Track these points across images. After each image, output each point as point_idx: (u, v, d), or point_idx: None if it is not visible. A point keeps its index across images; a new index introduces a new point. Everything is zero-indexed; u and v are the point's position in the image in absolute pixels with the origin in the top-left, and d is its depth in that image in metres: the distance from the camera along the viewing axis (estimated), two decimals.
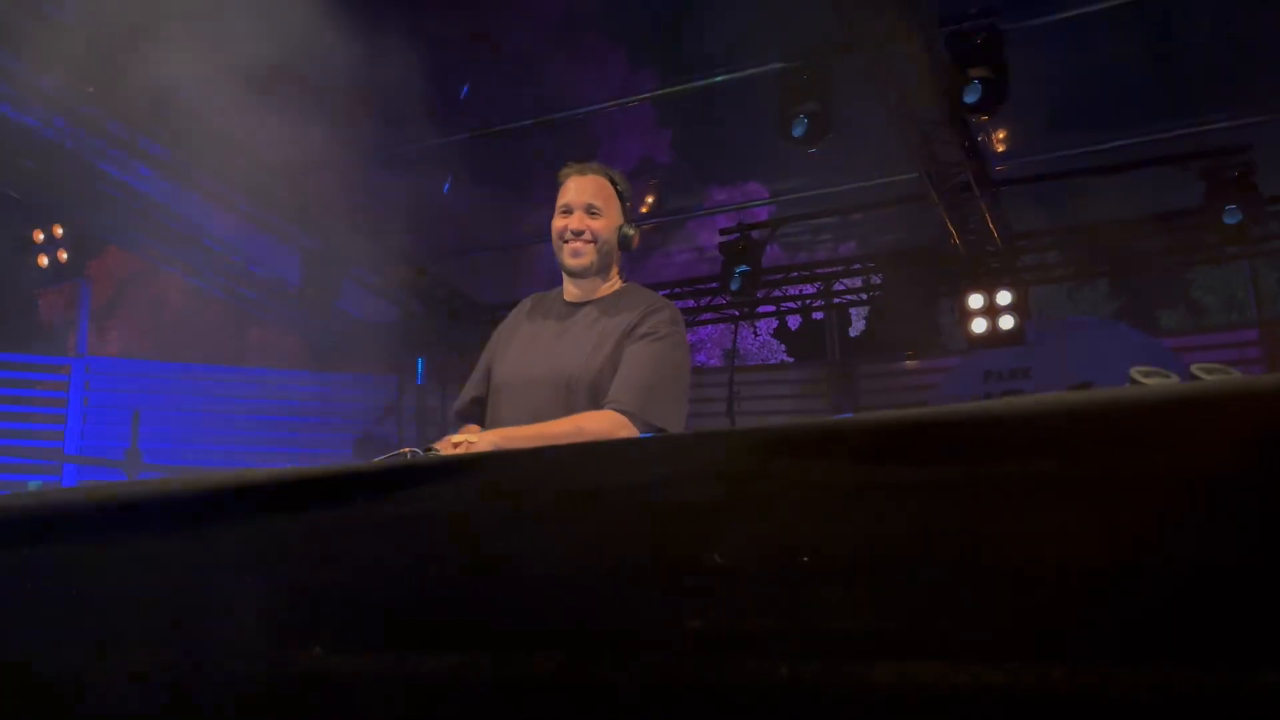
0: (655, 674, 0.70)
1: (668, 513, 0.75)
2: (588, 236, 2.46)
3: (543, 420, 2.27)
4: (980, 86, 5.84)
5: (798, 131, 6.36)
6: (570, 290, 2.58)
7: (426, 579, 0.81)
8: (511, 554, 0.79)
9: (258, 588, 0.85)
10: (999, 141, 8.03)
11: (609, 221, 2.49)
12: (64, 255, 8.10)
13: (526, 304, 2.70)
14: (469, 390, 2.63)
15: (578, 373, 2.36)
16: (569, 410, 2.31)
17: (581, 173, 2.52)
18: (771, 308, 10.94)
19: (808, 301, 10.65)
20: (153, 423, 9.64)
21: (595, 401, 2.32)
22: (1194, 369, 0.81)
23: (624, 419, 2.25)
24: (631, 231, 2.51)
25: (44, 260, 8.15)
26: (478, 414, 2.56)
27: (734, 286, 8.55)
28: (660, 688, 0.70)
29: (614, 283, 2.58)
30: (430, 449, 2.04)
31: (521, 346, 2.55)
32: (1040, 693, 0.61)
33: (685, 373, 2.46)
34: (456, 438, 2.11)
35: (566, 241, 2.49)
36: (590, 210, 2.47)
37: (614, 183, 2.51)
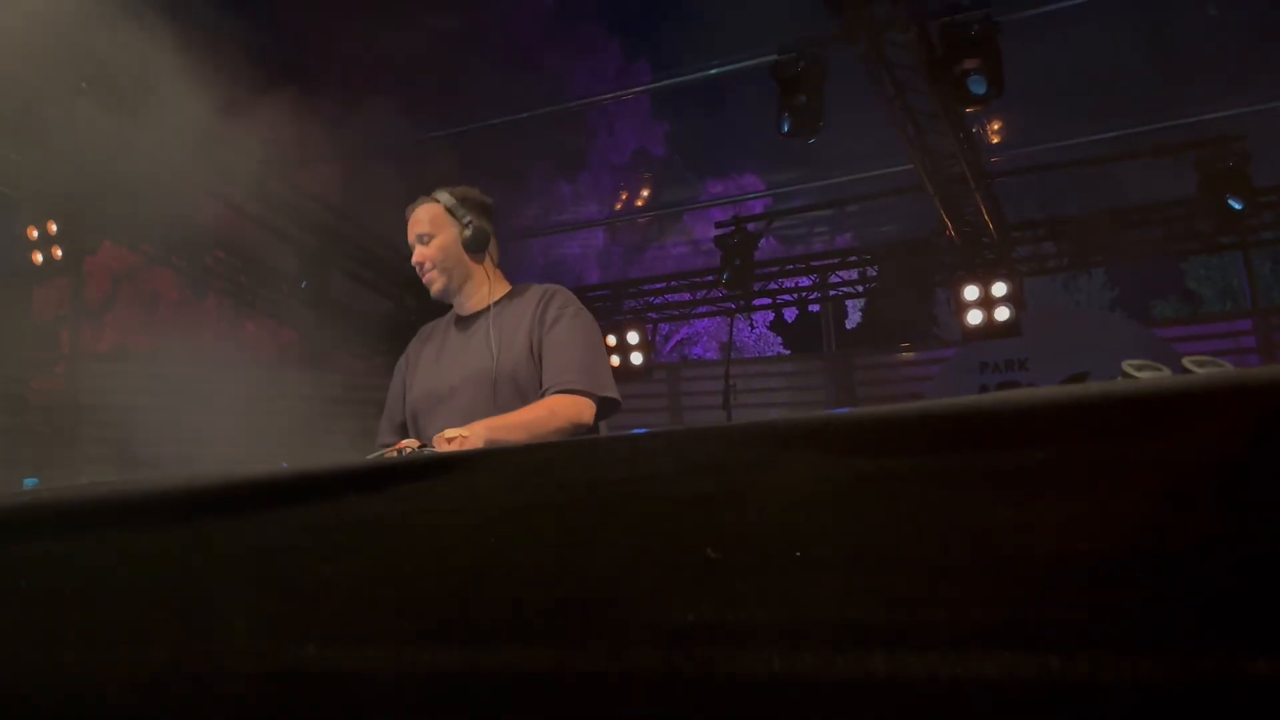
0: (649, 667, 0.70)
1: (661, 507, 0.75)
2: (427, 265, 2.64)
3: (475, 420, 2.34)
4: (975, 78, 5.84)
5: (792, 124, 6.36)
6: (457, 308, 2.74)
7: (420, 575, 0.81)
8: (505, 549, 0.79)
9: (250, 585, 0.85)
10: (994, 133, 8.04)
11: (442, 239, 2.63)
12: (58, 251, 8.09)
13: (423, 332, 2.85)
14: (389, 418, 2.74)
15: (494, 369, 2.48)
16: (496, 406, 2.42)
17: (411, 209, 2.70)
18: (767, 300, 10.95)
19: (804, 294, 10.66)
20: (145, 418, 9.62)
21: (519, 391, 2.46)
22: (1185, 362, 0.81)
23: (580, 398, 2.40)
24: (469, 232, 2.61)
25: (38, 257, 8.13)
26: (402, 436, 2.65)
27: (729, 278, 8.55)
28: (654, 681, 0.70)
29: (498, 286, 2.69)
30: (425, 446, 2.05)
31: (429, 365, 2.69)
32: (1036, 683, 0.61)
33: (601, 338, 2.61)
34: (451, 433, 2.15)
35: (421, 276, 2.68)
36: (421, 239, 2.65)
37: (439, 198, 2.65)
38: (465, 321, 2.69)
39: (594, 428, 2.44)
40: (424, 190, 2.67)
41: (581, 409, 2.38)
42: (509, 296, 2.65)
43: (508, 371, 2.47)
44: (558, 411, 2.35)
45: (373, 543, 0.83)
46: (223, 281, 10.36)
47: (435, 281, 2.65)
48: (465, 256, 2.64)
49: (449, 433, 2.16)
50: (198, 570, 0.89)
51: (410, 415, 2.66)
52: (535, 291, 2.62)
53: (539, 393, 2.46)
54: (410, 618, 0.79)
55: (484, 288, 2.67)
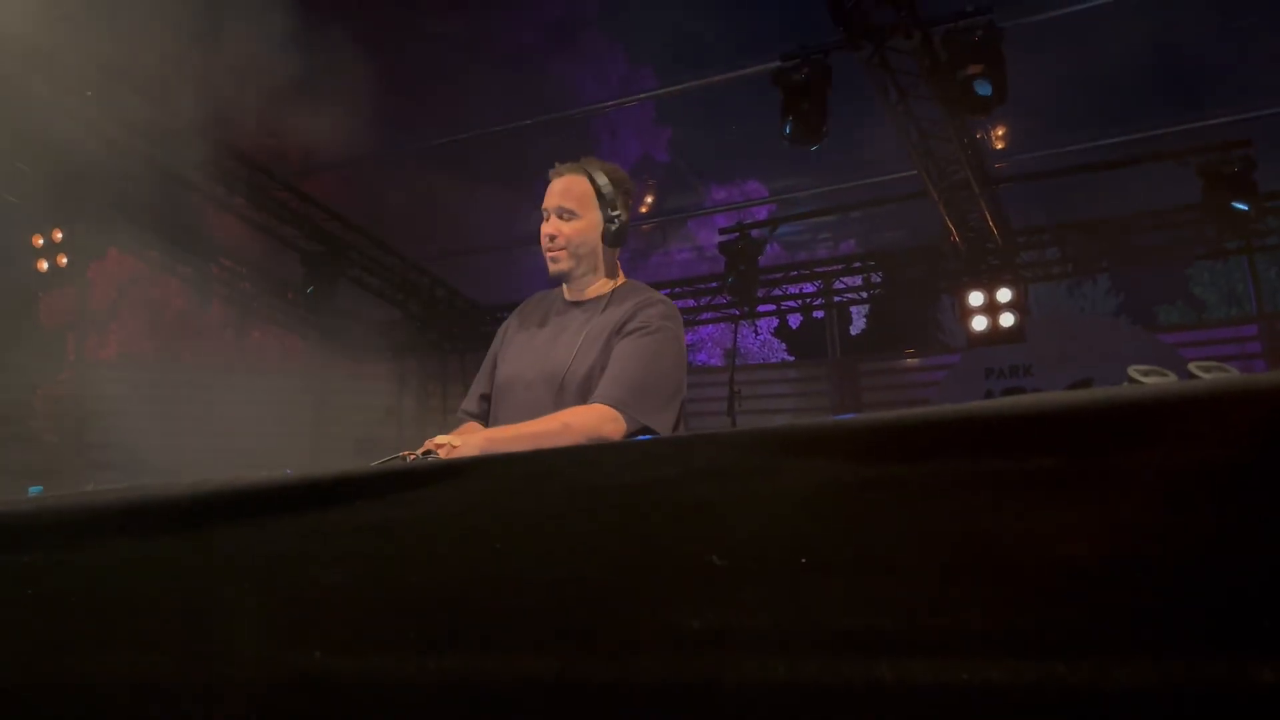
0: (655, 674, 0.70)
1: (667, 513, 0.75)
2: (560, 242, 2.42)
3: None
4: (979, 84, 5.84)
5: (796, 130, 6.36)
6: (567, 290, 2.55)
7: (426, 581, 0.81)
8: (510, 556, 0.79)
9: (256, 591, 0.85)
10: (998, 139, 8.04)
11: (585, 223, 2.43)
12: (63, 259, 8.11)
13: (530, 302, 2.67)
14: (476, 387, 2.61)
15: (568, 372, 2.32)
16: (556, 410, 2.26)
17: (559, 174, 2.47)
18: (772, 306, 10.94)
19: (808, 300, 10.65)
20: (151, 425, 9.63)
21: (585, 400, 2.27)
22: (1192, 367, 0.81)
23: (612, 412, 2.18)
24: (615, 226, 2.43)
25: (44, 265, 8.16)
26: (485, 410, 2.54)
27: (734, 285, 8.55)
28: (660, 688, 0.70)
29: (611, 280, 2.52)
30: (414, 455, 2.02)
31: (520, 347, 2.52)
32: (1042, 689, 0.61)
33: (676, 368, 2.37)
34: (440, 439, 2.08)
35: (545, 248, 2.45)
36: (562, 213, 2.43)
37: (595, 178, 2.44)
38: (569, 307, 2.51)
39: None
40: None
41: (604, 422, 2.17)
42: (615, 294, 2.47)
43: (579, 376, 2.31)
44: (573, 426, 2.15)
45: (377, 549, 0.83)
46: (227, 289, 10.38)
47: (562, 262, 2.42)
48: (600, 247, 2.45)
49: (438, 439, 2.07)
50: (203, 576, 0.89)
51: (494, 395, 2.51)
52: (637, 298, 2.42)
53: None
54: (415, 625, 0.79)
55: (603, 278, 2.50)
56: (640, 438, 2.18)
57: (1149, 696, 0.58)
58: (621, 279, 2.55)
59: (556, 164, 2.50)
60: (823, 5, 5.88)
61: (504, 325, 2.68)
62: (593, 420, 2.17)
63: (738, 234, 8.87)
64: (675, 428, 2.35)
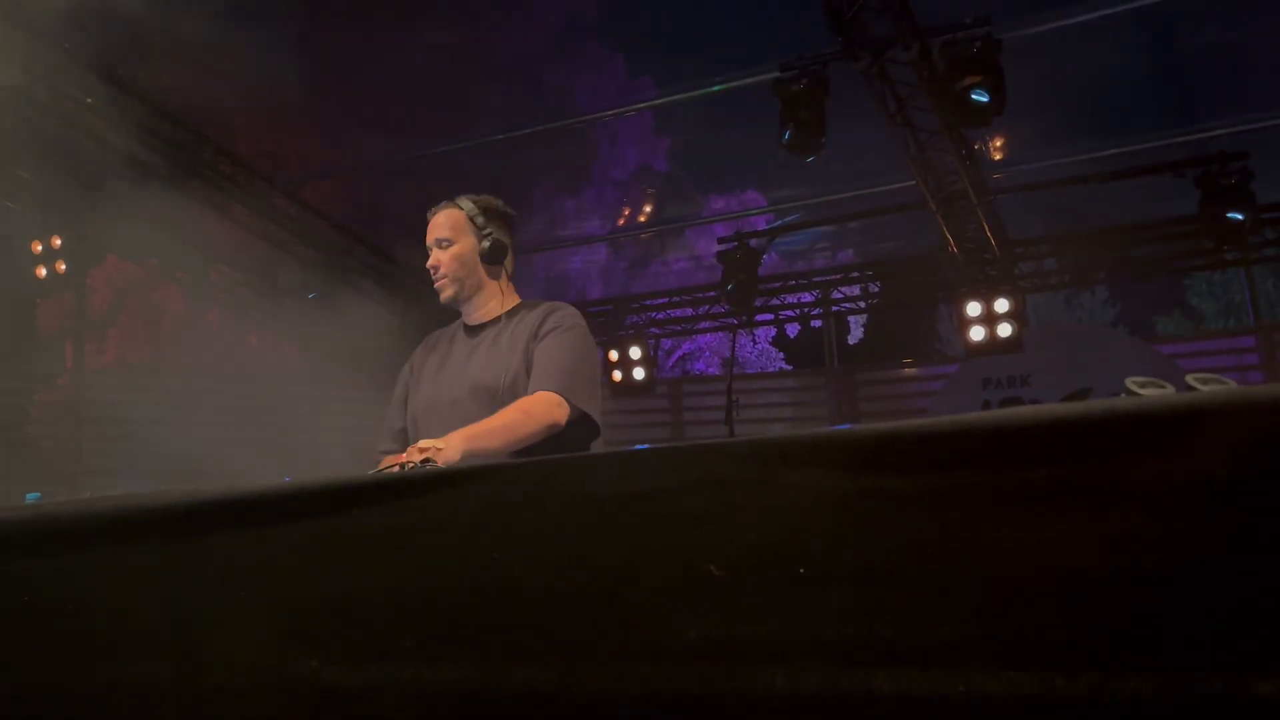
0: (652, 684, 0.70)
1: (664, 522, 0.75)
2: (442, 270, 2.63)
3: None
4: (977, 95, 5.85)
5: (794, 140, 6.38)
6: (466, 318, 2.73)
7: (423, 590, 0.81)
8: (508, 564, 0.79)
9: (253, 600, 0.85)
10: (996, 149, 8.05)
11: (460, 247, 2.63)
12: (62, 266, 8.10)
13: (429, 340, 2.85)
14: (390, 424, 2.74)
15: (496, 382, 2.49)
16: None
17: (434, 213, 2.69)
18: (770, 316, 10.95)
19: (806, 309, 10.66)
20: (149, 432, 9.63)
21: None
22: (1189, 379, 0.81)
23: (556, 397, 2.37)
24: (487, 244, 2.61)
25: (42, 271, 8.15)
26: (403, 445, 2.63)
27: (732, 294, 8.56)
28: (657, 698, 0.70)
29: (509, 299, 2.70)
30: (411, 463, 2.03)
31: (433, 374, 2.68)
32: (1040, 701, 0.61)
33: (595, 360, 2.58)
34: (426, 443, 2.14)
35: (433, 281, 2.66)
36: (440, 244, 2.64)
37: (464, 207, 2.65)
38: (472, 331, 2.69)
39: (569, 434, 2.40)
40: (435, 201, 2.67)
41: (552, 407, 2.35)
42: (517, 310, 2.66)
43: (509, 384, 2.48)
44: (532, 412, 2.32)
45: (374, 558, 0.83)
46: (226, 295, 10.38)
47: (446, 289, 2.64)
48: (480, 267, 2.64)
49: (424, 443, 2.14)
50: (200, 585, 0.89)
51: (411, 422, 2.66)
52: (542, 308, 2.61)
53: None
54: (412, 634, 0.79)
55: (494, 300, 2.68)
56: (639, 447, 2.23)
57: (1147, 709, 0.58)
58: (516, 299, 2.73)
59: (431, 207, 2.71)
60: (822, 16, 5.90)
61: (407, 363, 2.84)
62: (545, 406, 2.35)
63: (736, 243, 8.88)
64: (600, 428, 2.57)
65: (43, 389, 10.79)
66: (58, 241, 8.06)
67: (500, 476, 0.85)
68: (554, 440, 2.37)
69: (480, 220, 2.64)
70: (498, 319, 2.65)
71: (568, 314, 2.59)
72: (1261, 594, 0.58)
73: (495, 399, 2.45)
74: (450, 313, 2.80)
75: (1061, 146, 8.00)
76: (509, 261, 2.72)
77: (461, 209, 2.65)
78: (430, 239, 2.65)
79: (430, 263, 2.64)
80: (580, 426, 2.45)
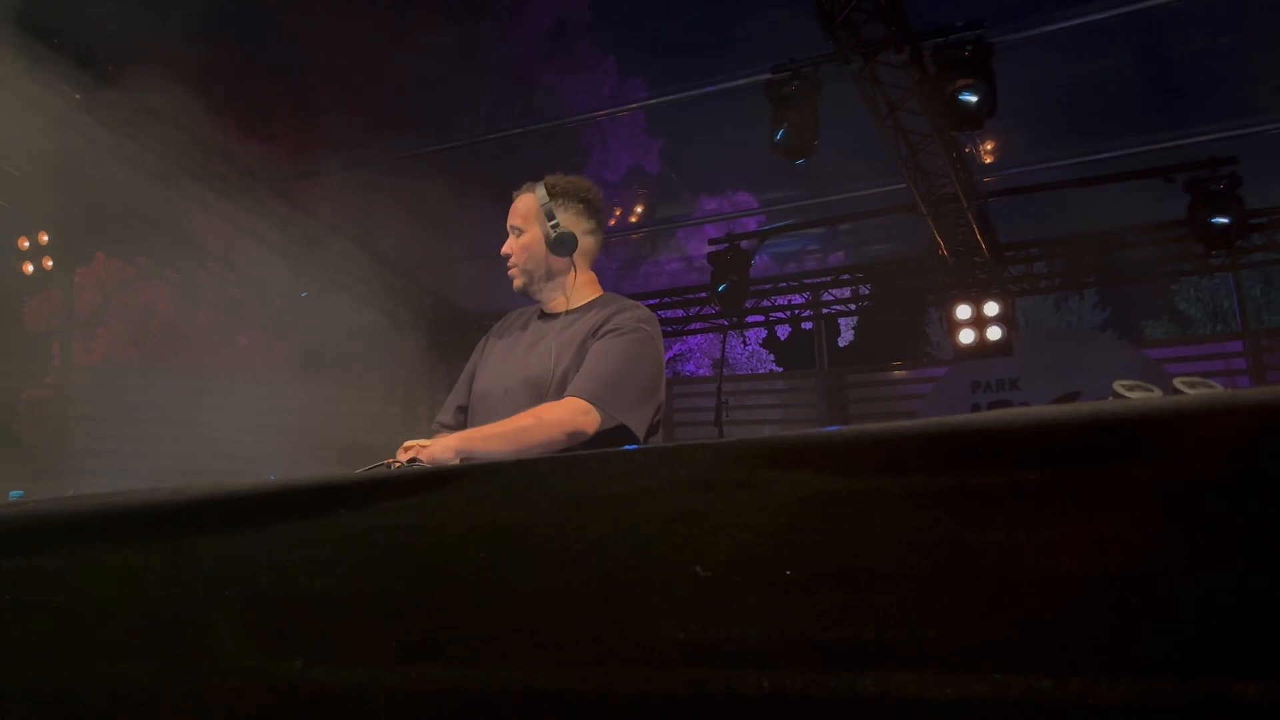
0: (639, 685, 0.70)
1: (652, 523, 0.75)
2: (512, 259, 2.53)
3: None
4: (968, 98, 5.86)
5: (786, 142, 6.38)
6: (543, 304, 2.61)
7: (409, 591, 0.80)
8: (494, 565, 0.78)
9: (238, 599, 0.85)
10: (986, 153, 8.07)
11: (528, 237, 2.52)
12: (49, 263, 8.06)
13: (509, 317, 2.73)
14: (453, 399, 2.64)
15: (546, 377, 2.35)
16: None
17: (518, 193, 2.58)
18: (760, 317, 10.96)
19: (796, 311, 10.68)
20: (135, 431, 9.59)
21: None
22: (1176, 382, 0.81)
23: (584, 404, 2.21)
24: (554, 235, 2.49)
25: (29, 268, 8.10)
26: (461, 422, 2.56)
27: (723, 295, 8.57)
28: (644, 698, 0.70)
29: (585, 290, 2.58)
30: (398, 462, 2.01)
31: (499, 358, 2.57)
32: (1027, 703, 0.61)
33: (651, 369, 2.40)
34: (410, 443, 2.09)
35: (508, 268, 2.56)
36: (513, 230, 2.54)
37: (538, 193, 2.53)
38: (544, 319, 2.57)
39: (602, 445, 2.21)
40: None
41: (576, 415, 2.18)
42: (593, 304, 2.52)
43: (558, 381, 2.34)
44: (546, 420, 2.17)
45: (360, 558, 0.83)
46: (215, 295, 10.34)
47: (516, 278, 2.54)
48: (549, 257, 2.51)
49: (409, 443, 2.09)
50: (185, 584, 0.88)
51: (471, 405, 2.55)
52: (614, 305, 2.48)
53: None
54: (398, 634, 0.78)
55: (566, 290, 2.55)
56: (627, 447, 2.19)
57: (1134, 712, 0.58)
58: (596, 291, 2.60)
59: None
60: (813, 19, 5.90)
61: (482, 340, 2.73)
62: (565, 413, 2.19)
63: (727, 245, 8.88)
64: (651, 433, 2.38)
65: (30, 387, 10.74)
66: (45, 238, 8.02)
67: (487, 477, 0.85)
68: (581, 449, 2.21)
69: (547, 206, 2.51)
70: (570, 310, 2.52)
71: (635, 315, 2.42)
72: (1247, 597, 0.58)
73: (542, 395, 2.33)
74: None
75: (1051, 150, 8.01)
76: (592, 248, 2.60)
77: (535, 195, 2.53)
78: (508, 223, 2.55)
79: (503, 250, 2.55)
80: (616, 439, 2.26)
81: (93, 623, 0.90)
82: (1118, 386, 0.83)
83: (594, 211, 2.61)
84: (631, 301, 2.52)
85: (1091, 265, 8.79)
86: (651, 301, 10.55)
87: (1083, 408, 0.65)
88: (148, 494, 0.93)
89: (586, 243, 2.57)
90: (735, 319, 10.46)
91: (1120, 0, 6.48)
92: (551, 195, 2.53)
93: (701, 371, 20.13)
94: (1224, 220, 7.07)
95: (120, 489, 0.98)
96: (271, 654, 0.82)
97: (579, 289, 2.56)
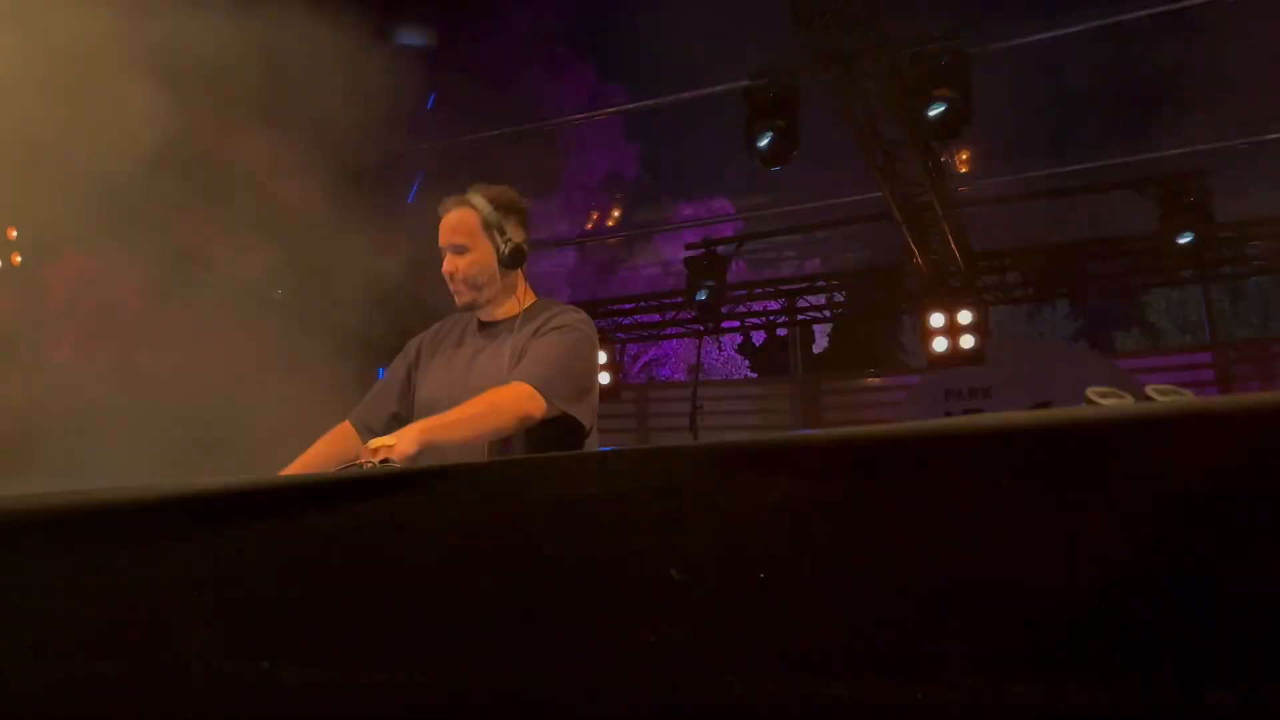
0: (610, 690, 0.70)
1: (625, 526, 0.75)
2: (459, 277, 2.49)
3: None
4: (944, 108, 5.91)
5: (763, 149, 6.40)
6: (483, 314, 2.60)
7: (380, 593, 0.80)
8: (466, 567, 0.78)
9: (207, 600, 0.84)
10: (962, 163, 8.13)
11: (478, 254, 2.48)
12: (17, 258, 7.97)
13: (442, 326, 2.73)
14: (382, 407, 2.63)
15: (497, 382, 2.35)
16: None
17: (446, 209, 2.52)
18: (736, 323, 10.99)
19: (772, 317, 10.70)
20: (105, 429, 9.48)
21: None
22: (1149, 390, 0.82)
23: (529, 389, 2.23)
24: (508, 250, 2.47)
25: None
26: (393, 430, 2.55)
27: (699, 300, 8.58)
28: (615, 704, 0.69)
29: (522, 300, 2.58)
30: (370, 462, 1.99)
31: (439, 369, 2.58)
32: (1000, 709, 0.61)
33: (590, 364, 2.44)
34: (376, 442, 2.07)
35: (449, 285, 2.52)
36: (454, 249, 2.49)
37: (479, 208, 2.49)
38: (487, 329, 2.57)
39: (547, 434, 2.28)
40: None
41: (522, 399, 2.21)
42: (530, 311, 2.54)
43: None
44: (498, 405, 2.19)
45: (333, 559, 0.82)
46: (189, 292, 10.25)
47: (464, 295, 2.51)
48: (499, 272, 2.50)
49: (374, 443, 2.05)
50: (152, 583, 0.87)
51: (417, 415, 2.50)
52: (554, 309, 2.52)
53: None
54: (368, 637, 0.78)
55: (511, 300, 2.55)
56: (604, 449, 2.23)
57: (1104, 717, 0.59)
58: (532, 298, 2.61)
59: (443, 199, 2.55)
60: (791, 27, 5.93)
61: (413, 344, 2.71)
62: (515, 397, 2.22)
63: (703, 250, 8.90)
64: (590, 430, 2.41)
65: None
66: (13, 233, 7.93)
67: (460, 478, 0.84)
68: (532, 439, 2.28)
69: (495, 220, 2.48)
70: (512, 318, 2.53)
71: (575, 317, 2.47)
72: (1216, 604, 0.58)
73: None
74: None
75: (1026, 162, 8.10)
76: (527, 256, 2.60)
77: (477, 210, 2.49)
78: (444, 241, 2.50)
79: (446, 269, 2.51)
80: (561, 427, 2.31)
81: (58, 623, 0.89)
82: (1090, 393, 0.84)
83: (529, 220, 2.62)
84: (567, 305, 2.55)
85: (1064, 275, 8.88)
86: (627, 306, 10.56)
87: (1056, 414, 0.66)
88: (115, 492, 0.91)
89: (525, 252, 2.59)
90: (711, 324, 10.48)
91: (1095, 14, 6.56)
92: (495, 208, 2.50)
93: (677, 376, 20.15)
94: (1193, 233, 7.15)
95: (88, 487, 0.97)
96: (240, 655, 0.81)
97: (523, 296, 2.58)
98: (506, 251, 2.47)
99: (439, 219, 2.53)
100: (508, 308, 2.56)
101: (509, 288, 2.56)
